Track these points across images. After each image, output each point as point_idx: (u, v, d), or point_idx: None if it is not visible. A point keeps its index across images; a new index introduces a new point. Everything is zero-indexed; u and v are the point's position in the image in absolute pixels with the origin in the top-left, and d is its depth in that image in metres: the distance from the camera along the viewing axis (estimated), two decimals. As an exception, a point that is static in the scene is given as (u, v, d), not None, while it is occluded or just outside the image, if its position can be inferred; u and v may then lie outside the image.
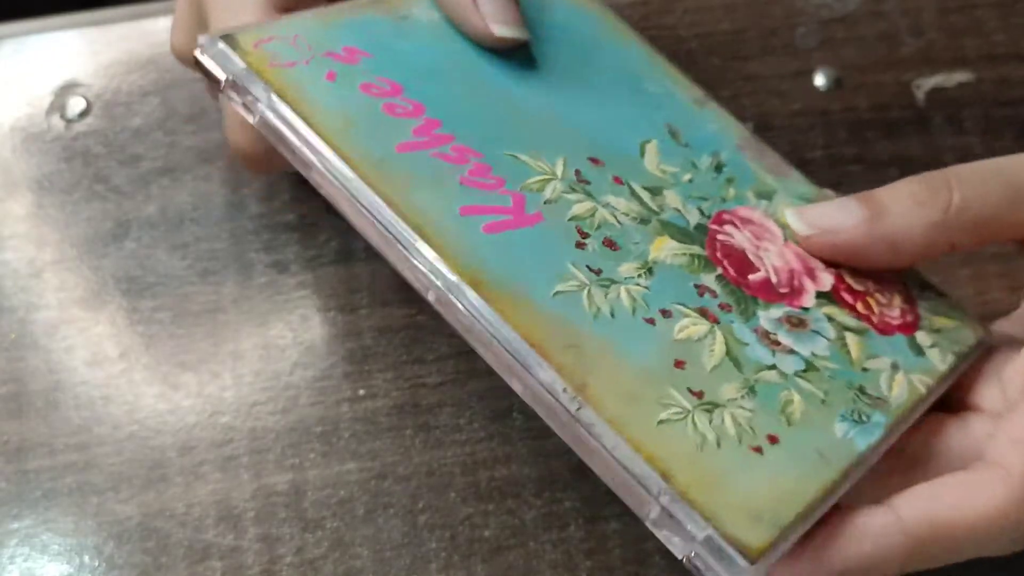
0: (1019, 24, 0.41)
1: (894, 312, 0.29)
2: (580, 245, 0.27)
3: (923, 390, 0.27)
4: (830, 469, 0.25)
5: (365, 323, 0.36)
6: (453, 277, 0.25)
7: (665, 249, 0.28)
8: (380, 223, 0.26)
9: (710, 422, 0.25)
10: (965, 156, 0.39)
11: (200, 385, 0.35)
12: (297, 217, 0.37)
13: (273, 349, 0.35)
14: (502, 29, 0.30)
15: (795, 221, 0.29)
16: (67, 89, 0.39)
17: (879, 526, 0.24)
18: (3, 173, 0.38)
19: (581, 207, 0.28)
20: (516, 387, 0.25)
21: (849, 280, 0.29)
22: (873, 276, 0.29)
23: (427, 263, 0.25)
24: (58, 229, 0.37)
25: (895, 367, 0.28)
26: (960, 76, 0.40)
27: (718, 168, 0.31)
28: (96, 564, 0.33)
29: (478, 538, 0.33)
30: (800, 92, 0.39)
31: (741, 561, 0.22)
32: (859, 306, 0.29)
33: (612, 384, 0.25)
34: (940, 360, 0.28)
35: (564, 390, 0.24)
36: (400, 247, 0.26)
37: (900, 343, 0.28)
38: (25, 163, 0.38)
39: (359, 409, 0.34)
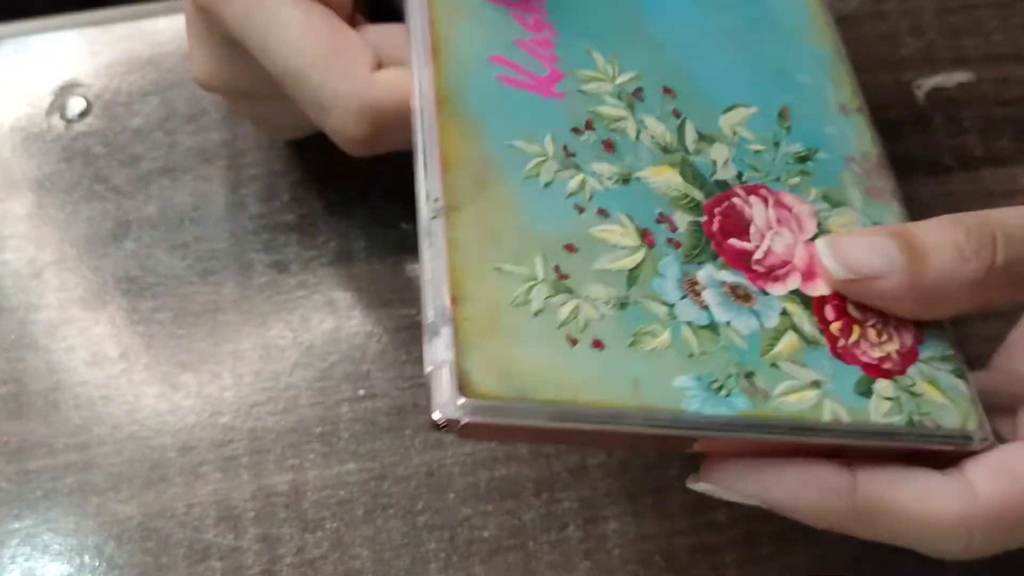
0: (1019, 24, 0.41)
1: (873, 352, 0.27)
2: (576, 131, 0.28)
3: (827, 417, 0.26)
4: (628, 397, 0.25)
5: (365, 323, 0.36)
6: (430, 96, 0.27)
7: (662, 178, 0.28)
8: (412, 30, 0.28)
9: (546, 297, 0.25)
10: (964, 156, 0.39)
11: (200, 385, 0.35)
12: (297, 217, 0.37)
13: (273, 349, 0.35)
14: None
15: (827, 255, 0.28)
16: (67, 89, 0.39)
17: (831, 483, 0.25)
18: (3, 173, 0.38)
19: (610, 110, 0.29)
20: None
21: (853, 303, 0.28)
22: (893, 323, 0.28)
23: (419, 79, 0.27)
24: (58, 229, 0.37)
25: (815, 384, 0.26)
26: (960, 76, 0.40)
27: (802, 159, 0.30)
28: (96, 564, 0.33)
29: (477, 539, 0.33)
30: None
31: (454, 393, 0.23)
32: (835, 326, 0.28)
33: (484, 221, 0.26)
34: (881, 413, 0.26)
35: (435, 199, 0.26)
36: (413, 58, 0.28)
37: (847, 374, 0.27)
38: (25, 163, 0.38)
39: (359, 409, 0.34)
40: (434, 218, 0.26)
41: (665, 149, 0.29)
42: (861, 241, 0.27)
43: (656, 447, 0.27)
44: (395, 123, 0.29)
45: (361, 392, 0.34)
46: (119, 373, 0.35)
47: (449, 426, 0.23)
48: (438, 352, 0.24)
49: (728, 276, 0.27)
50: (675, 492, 0.33)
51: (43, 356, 0.35)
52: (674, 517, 0.33)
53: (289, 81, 0.29)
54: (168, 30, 0.40)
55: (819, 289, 0.28)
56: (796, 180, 0.30)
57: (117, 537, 0.33)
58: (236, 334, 0.35)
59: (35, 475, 0.33)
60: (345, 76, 0.29)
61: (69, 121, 0.38)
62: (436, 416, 0.23)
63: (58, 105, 0.39)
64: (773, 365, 0.26)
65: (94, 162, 0.38)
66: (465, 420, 0.23)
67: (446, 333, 0.24)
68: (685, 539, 0.33)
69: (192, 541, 0.33)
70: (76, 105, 0.39)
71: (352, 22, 0.31)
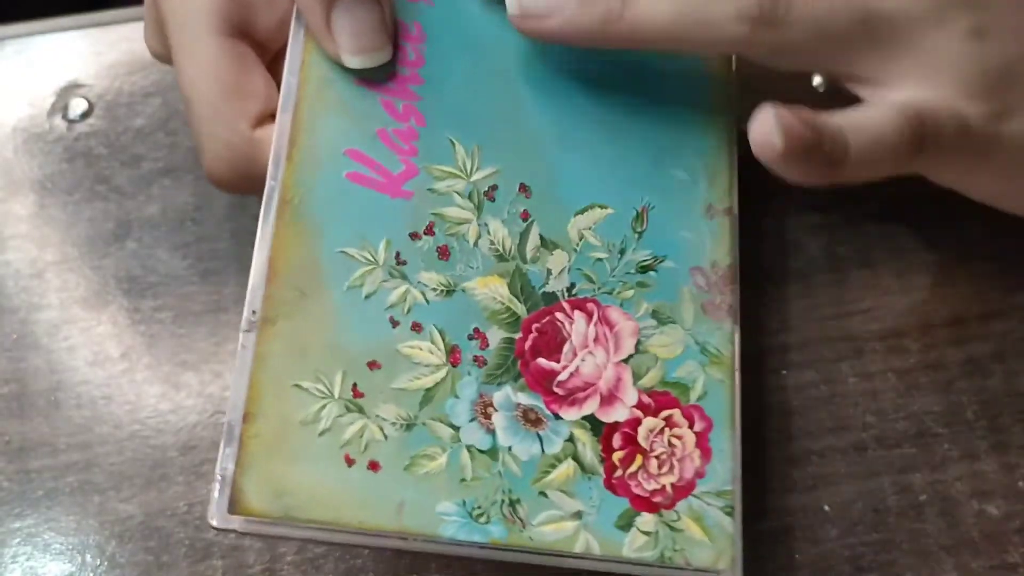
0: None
1: (648, 483, 0.28)
2: (415, 236, 0.29)
3: (579, 548, 0.27)
4: (389, 519, 0.27)
5: (366, 323, 0.36)
6: (273, 182, 0.29)
7: (488, 289, 0.29)
8: (280, 118, 0.29)
9: (337, 417, 0.27)
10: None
11: (202, 385, 0.35)
12: (298, 217, 0.37)
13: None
14: (352, 60, 0.29)
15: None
16: (69, 90, 0.39)
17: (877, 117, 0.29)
18: (5, 174, 0.38)
19: (456, 212, 0.29)
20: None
21: (644, 429, 0.29)
22: (678, 455, 0.29)
23: (273, 173, 0.29)
24: (60, 229, 0.37)
25: (576, 515, 0.28)
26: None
27: (644, 268, 0.30)
28: (98, 563, 0.33)
29: (478, 537, 0.33)
30: (799, 92, 0.39)
31: (225, 506, 0.26)
32: (618, 455, 0.28)
33: (296, 335, 0.28)
34: (635, 547, 0.28)
35: (253, 312, 0.28)
36: (273, 148, 0.29)
37: (613, 506, 0.28)
38: (27, 164, 0.38)
39: (360, 408, 0.34)
40: (247, 331, 0.28)
41: (501, 257, 0.29)
42: None
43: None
44: (262, 179, 0.29)
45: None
46: (121, 373, 0.35)
47: (223, 531, 0.27)
48: (224, 463, 0.27)
49: (524, 398, 0.28)
50: (675, 491, 0.33)
51: (45, 356, 0.35)
52: (674, 516, 0.33)
53: (184, 106, 0.31)
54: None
55: (615, 415, 0.29)
56: (630, 293, 0.30)
57: (119, 536, 0.33)
58: (237, 334, 0.35)
59: (37, 474, 0.34)
60: (227, 124, 0.30)
61: (71, 122, 0.39)
62: (212, 522, 0.27)
63: (60, 106, 0.39)
64: (542, 493, 0.28)
65: (96, 162, 0.38)
66: (235, 528, 0.27)
67: (233, 448, 0.27)
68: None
69: (193, 540, 0.33)
70: (78, 106, 0.39)
71: (275, 61, 0.32)
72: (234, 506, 0.26)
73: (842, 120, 0.29)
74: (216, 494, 0.27)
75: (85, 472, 0.34)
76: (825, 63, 0.30)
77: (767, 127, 0.28)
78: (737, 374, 0.30)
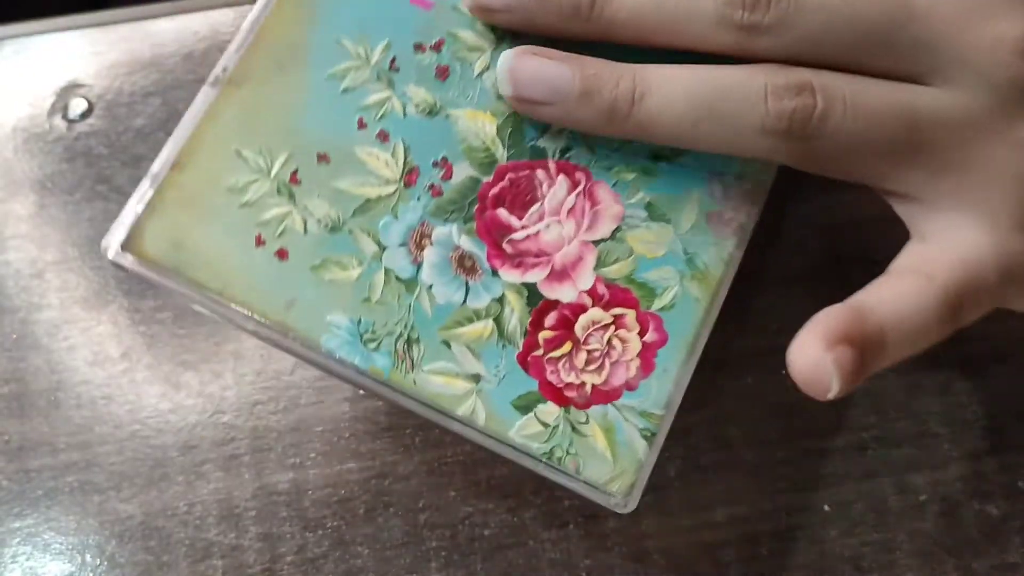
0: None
1: (566, 375, 0.26)
2: (419, 48, 0.27)
3: (461, 411, 0.26)
4: (275, 310, 0.26)
5: (366, 323, 0.36)
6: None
7: (475, 123, 0.27)
8: None
9: (265, 195, 0.26)
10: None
11: (202, 384, 0.35)
12: (298, 217, 0.37)
13: (274, 349, 0.35)
14: None
15: (505, 69, 0.27)
16: (69, 90, 0.39)
17: (914, 291, 0.26)
18: (5, 173, 0.38)
19: (470, 37, 0.27)
20: None
21: (586, 319, 0.26)
22: (613, 357, 0.26)
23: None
24: (60, 229, 0.37)
25: (474, 378, 0.26)
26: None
27: (655, 158, 0.28)
28: (98, 563, 0.33)
29: (478, 537, 0.33)
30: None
31: (121, 241, 0.26)
32: (545, 334, 0.26)
33: (256, 103, 0.27)
34: (524, 433, 0.26)
35: (224, 69, 0.27)
36: None
37: (518, 383, 0.26)
38: (27, 163, 0.38)
39: (359, 408, 0.34)
40: (212, 85, 0.27)
41: (500, 97, 0.27)
42: (535, 64, 0.26)
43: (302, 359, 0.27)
44: None
45: (361, 391, 0.34)
46: (121, 372, 0.35)
47: (115, 264, 0.26)
48: (138, 201, 0.26)
49: (467, 243, 0.26)
50: (675, 491, 0.33)
51: (45, 356, 0.35)
52: (674, 515, 0.33)
53: None
54: (170, 31, 0.40)
55: (560, 293, 0.26)
56: (630, 176, 0.27)
57: (119, 536, 0.33)
58: (237, 334, 0.35)
59: (37, 474, 0.34)
60: None
61: (71, 121, 0.39)
62: (107, 254, 0.26)
63: (60, 106, 0.39)
64: (445, 343, 0.26)
65: (96, 162, 0.38)
66: (126, 266, 0.26)
67: (150, 189, 0.26)
68: (685, 537, 0.33)
69: (194, 540, 0.33)
70: (78, 106, 0.39)
71: None
72: (129, 244, 0.26)
73: (879, 312, 0.25)
74: (118, 227, 0.26)
75: (85, 472, 0.33)
76: (862, 175, 0.27)
77: (819, 368, 0.24)
78: (718, 300, 0.27)
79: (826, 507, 0.33)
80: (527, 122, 0.27)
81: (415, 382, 0.25)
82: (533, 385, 0.26)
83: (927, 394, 0.34)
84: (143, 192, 0.26)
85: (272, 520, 0.33)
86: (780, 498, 0.33)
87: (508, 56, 0.27)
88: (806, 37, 0.26)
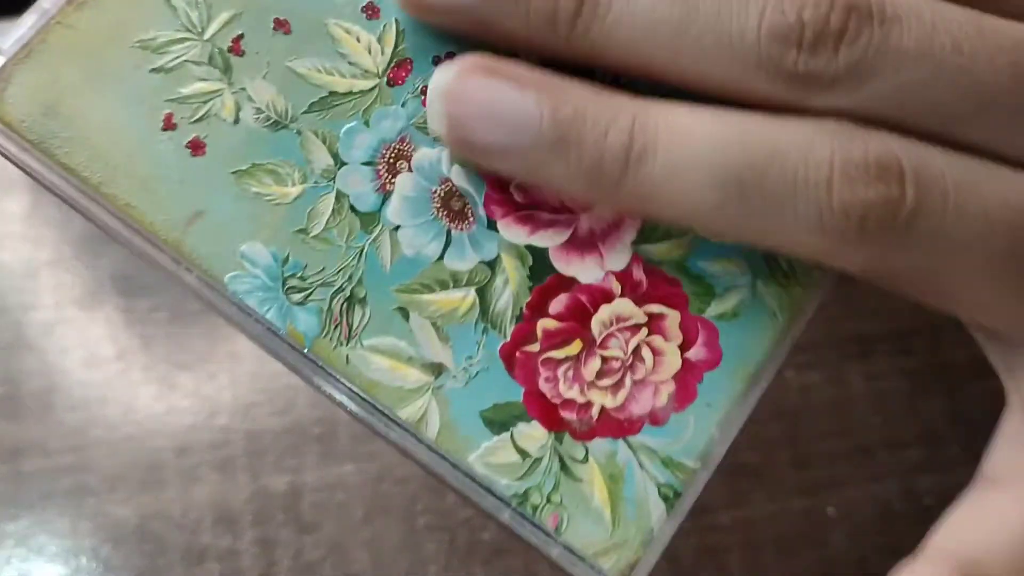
0: None
1: (567, 388, 0.19)
2: None
3: (407, 414, 0.19)
4: (170, 225, 0.19)
5: (364, 323, 0.35)
6: None
7: None
8: None
9: (190, 62, 0.19)
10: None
11: (197, 386, 0.34)
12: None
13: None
14: None
15: (438, 93, 0.18)
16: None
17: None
18: None
19: None
20: None
21: (608, 312, 0.19)
22: (639, 373, 0.19)
23: None
24: (54, 229, 0.37)
25: (434, 369, 0.19)
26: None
27: None
28: (93, 566, 0.32)
29: (477, 540, 0.33)
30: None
31: None
32: (548, 323, 0.19)
33: None
34: (490, 462, 0.18)
35: None
36: None
37: (496, 386, 0.19)
38: (22, 162, 0.38)
39: (357, 410, 0.34)
40: None
41: None
42: (488, 89, 0.18)
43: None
44: None
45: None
46: (116, 374, 0.35)
47: None
48: (9, 38, 0.19)
49: (458, 176, 0.19)
50: (678, 494, 0.33)
51: (39, 356, 0.35)
52: (677, 519, 0.33)
53: None
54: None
55: (579, 270, 0.19)
56: None
57: (114, 539, 0.33)
58: (233, 335, 0.35)
59: (31, 476, 0.33)
60: None
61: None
62: None
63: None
64: (401, 310, 0.19)
65: (91, 160, 0.38)
66: None
67: (31, 25, 0.19)
68: (688, 541, 0.32)
69: (189, 543, 0.33)
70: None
71: None
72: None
73: (986, 564, 0.19)
74: None
75: (80, 474, 0.33)
76: (953, 302, 0.19)
77: None
78: (801, 318, 0.19)
79: (831, 511, 0.33)
80: None
81: (348, 359, 0.18)
82: (517, 393, 0.19)
83: (934, 397, 0.34)
84: (21, 30, 0.19)
85: (268, 523, 0.33)
86: (786, 501, 0.33)
87: (447, 73, 0.18)
88: (893, 96, 0.17)
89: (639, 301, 0.19)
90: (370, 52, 0.19)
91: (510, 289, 0.19)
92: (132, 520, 0.33)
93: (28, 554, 0.33)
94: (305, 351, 0.19)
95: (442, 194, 0.19)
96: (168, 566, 0.32)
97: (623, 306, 0.19)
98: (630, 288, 0.19)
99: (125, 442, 0.34)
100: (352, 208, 0.19)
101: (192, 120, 0.19)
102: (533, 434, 0.18)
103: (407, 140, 0.19)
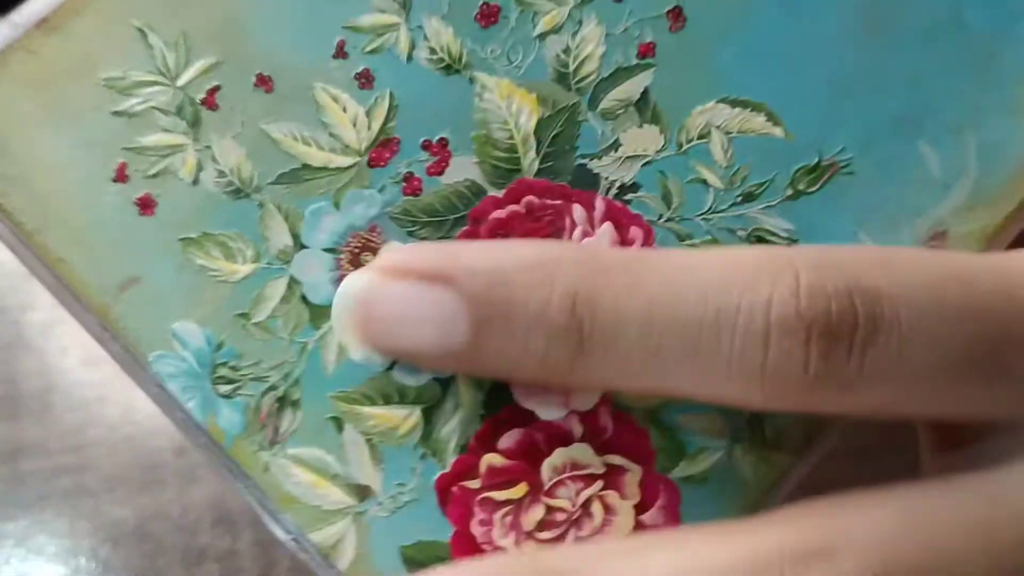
0: None
1: (503, 536, 0.17)
2: None
3: (318, 537, 0.17)
4: (99, 287, 0.18)
5: (363, 322, 0.35)
6: None
7: (507, 98, 0.17)
8: None
9: (157, 110, 0.17)
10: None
11: (196, 386, 0.34)
12: (295, 215, 0.37)
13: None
14: None
15: (351, 292, 0.17)
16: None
17: None
18: (-3, 170, 0.37)
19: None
20: None
21: (564, 455, 0.17)
22: (585, 529, 0.17)
23: None
24: (53, 227, 0.37)
25: (360, 491, 0.17)
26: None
27: (751, 197, 0.18)
28: (92, 567, 0.32)
29: (477, 542, 0.32)
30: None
31: None
32: (493, 460, 0.17)
33: None
34: None
35: None
36: None
37: (421, 521, 0.17)
38: (20, 160, 0.38)
39: (357, 410, 0.34)
40: None
41: (563, 76, 0.18)
42: (402, 293, 0.16)
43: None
44: None
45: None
46: (114, 374, 0.34)
47: None
48: None
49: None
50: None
51: (37, 357, 0.35)
52: (677, 520, 0.32)
53: None
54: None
55: (537, 402, 0.17)
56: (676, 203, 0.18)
57: (112, 540, 0.33)
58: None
59: (29, 477, 0.33)
60: None
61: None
62: None
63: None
64: (336, 419, 0.17)
65: (89, 159, 0.38)
66: None
67: None
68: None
69: (188, 544, 0.32)
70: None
71: None
72: None
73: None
74: None
75: (78, 475, 0.33)
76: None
77: None
78: (778, 490, 0.18)
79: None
80: (587, 126, 0.18)
81: (267, 467, 0.17)
82: (446, 533, 0.17)
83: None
84: None
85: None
86: (786, 502, 0.33)
87: (360, 280, 0.16)
88: (902, 386, 0.17)
89: (600, 449, 0.17)
90: (355, 125, 0.17)
91: (459, 415, 0.17)
92: (131, 520, 0.33)
93: (27, 554, 0.33)
94: (222, 447, 0.17)
95: None
96: (167, 566, 0.32)
97: (581, 452, 0.17)
98: (593, 433, 0.17)
99: (124, 442, 0.34)
100: (303, 298, 0.17)
101: (147, 175, 0.18)
102: None
103: (377, 231, 0.17)
